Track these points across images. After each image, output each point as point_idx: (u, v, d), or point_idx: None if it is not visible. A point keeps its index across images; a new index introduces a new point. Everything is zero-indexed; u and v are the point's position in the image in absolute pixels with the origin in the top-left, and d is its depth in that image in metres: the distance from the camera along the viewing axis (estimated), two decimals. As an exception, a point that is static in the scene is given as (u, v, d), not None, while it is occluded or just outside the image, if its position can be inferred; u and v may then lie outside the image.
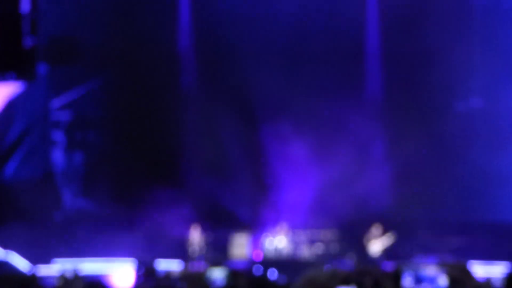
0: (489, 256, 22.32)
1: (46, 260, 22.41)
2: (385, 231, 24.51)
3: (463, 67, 27.12)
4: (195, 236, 24.21)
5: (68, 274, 14.16)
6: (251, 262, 23.51)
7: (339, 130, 25.91)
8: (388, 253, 24.30)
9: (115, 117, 27.13)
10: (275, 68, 26.39)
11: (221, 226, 25.53)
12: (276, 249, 24.48)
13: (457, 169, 26.45)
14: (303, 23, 26.66)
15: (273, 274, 19.39)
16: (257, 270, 19.80)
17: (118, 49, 26.83)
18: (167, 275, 16.72)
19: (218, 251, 24.38)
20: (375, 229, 24.58)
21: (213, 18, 26.69)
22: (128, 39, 26.86)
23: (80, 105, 27.05)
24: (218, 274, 8.84)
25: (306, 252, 25.02)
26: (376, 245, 24.47)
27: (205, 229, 24.53)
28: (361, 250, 24.55)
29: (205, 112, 27.15)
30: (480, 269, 18.32)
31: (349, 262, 23.21)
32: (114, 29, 26.94)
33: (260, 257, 24.19)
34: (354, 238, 25.28)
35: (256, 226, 25.54)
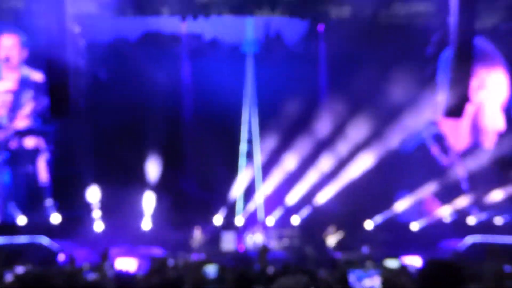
0: (407, 248, 26.06)
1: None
2: (337, 229, 28.31)
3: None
4: (197, 235, 27.56)
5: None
6: (237, 254, 26.84)
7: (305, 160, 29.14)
8: (338, 245, 27.82)
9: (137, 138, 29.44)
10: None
11: (214, 227, 29.03)
12: (254, 244, 28.06)
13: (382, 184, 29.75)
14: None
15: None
16: (242, 262, 21.94)
17: (140, 96, 29.76)
18: (176, 265, 16.10)
19: (213, 245, 27.68)
20: (331, 228, 28.29)
21: (204, 77, 29.84)
22: (147, 87, 29.64)
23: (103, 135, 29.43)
24: (211, 269, 9.11)
25: (276, 245, 28.06)
26: (331, 240, 28.06)
27: (203, 229, 28.02)
28: (319, 243, 27.72)
29: (198, 137, 30.00)
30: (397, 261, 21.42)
31: (306, 255, 25.60)
32: (137, 80, 29.82)
33: (243, 250, 27.76)
34: (312, 235, 28.61)
35: (240, 227, 29.40)
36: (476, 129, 31.47)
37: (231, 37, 31.23)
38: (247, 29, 31.03)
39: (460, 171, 30.83)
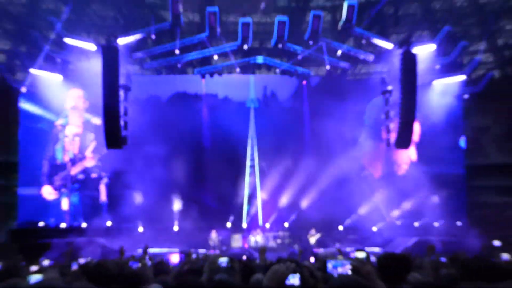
0: (369, 244, 26.30)
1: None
2: (316, 231, 28.43)
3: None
4: (213, 236, 27.60)
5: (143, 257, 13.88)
6: (242, 249, 26.46)
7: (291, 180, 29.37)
8: (318, 243, 28.01)
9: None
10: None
11: (226, 230, 29.23)
12: (255, 242, 28.01)
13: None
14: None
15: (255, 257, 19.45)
16: (246, 255, 21.42)
17: (173, 134, 29.86)
18: (197, 257, 16.47)
19: (225, 244, 27.73)
20: (312, 230, 28.33)
21: (218, 123, 30.40)
22: (178, 128, 30.00)
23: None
24: (223, 260, 7.95)
25: (272, 243, 28.11)
26: (312, 239, 28.14)
27: (218, 232, 28.19)
28: (304, 242, 27.90)
29: (215, 164, 30.19)
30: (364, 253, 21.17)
31: (295, 250, 24.68)
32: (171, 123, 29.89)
33: (247, 247, 27.48)
34: (298, 235, 28.47)
35: (245, 230, 29.39)
36: (390, 161, 32.15)
37: (239, 95, 31.65)
38: (250, 89, 31.54)
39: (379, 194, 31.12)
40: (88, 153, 30.82)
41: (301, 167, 30.10)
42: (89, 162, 30.84)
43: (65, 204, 30.27)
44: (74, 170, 30.67)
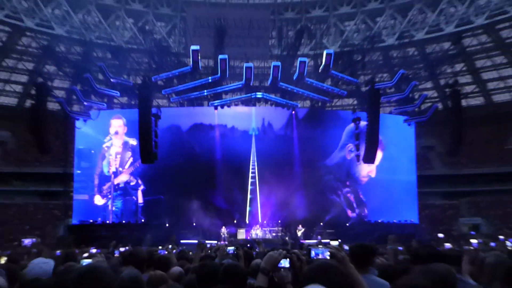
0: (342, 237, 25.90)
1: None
2: (302, 226, 27.91)
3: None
4: (223, 230, 27.03)
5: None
6: (246, 240, 25.96)
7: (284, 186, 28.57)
8: (304, 236, 27.37)
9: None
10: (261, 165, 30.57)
11: (233, 225, 28.81)
12: (256, 235, 27.36)
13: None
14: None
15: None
16: (248, 245, 21.09)
17: (192, 154, 30.32)
18: (211, 247, 13.94)
19: (232, 236, 27.23)
20: (300, 226, 27.83)
21: (227, 146, 30.45)
22: (196, 150, 30.56)
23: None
24: (231, 248, 7.94)
25: (268, 236, 27.39)
26: (300, 232, 27.61)
27: (227, 227, 27.75)
28: (295, 235, 27.28)
29: (224, 176, 29.96)
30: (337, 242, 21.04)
31: (286, 241, 25.21)
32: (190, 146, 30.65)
33: (249, 238, 26.70)
34: (289, 230, 27.89)
35: (247, 225, 28.99)
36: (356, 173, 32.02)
37: (243, 125, 31.44)
38: (252, 120, 31.44)
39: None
40: (127, 167, 30.85)
41: (291, 177, 29.99)
42: (127, 175, 30.90)
43: (110, 207, 30.34)
44: (117, 181, 30.70)
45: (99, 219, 30.13)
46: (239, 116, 31.24)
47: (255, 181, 30.50)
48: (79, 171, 31.14)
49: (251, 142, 31.03)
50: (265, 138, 31.41)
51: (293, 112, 31.17)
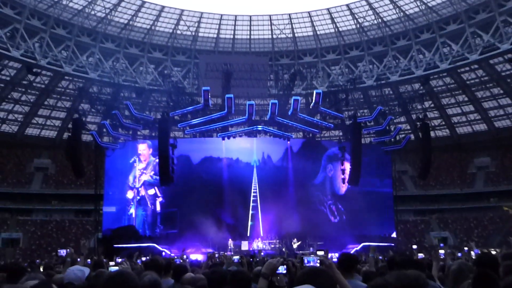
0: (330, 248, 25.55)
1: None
2: (298, 239, 27.41)
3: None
4: (230, 242, 26.49)
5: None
6: (248, 251, 25.24)
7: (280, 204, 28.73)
8: (299, 248, 26.73)
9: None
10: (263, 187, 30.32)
11: (239, 238, 28.16)
12: (257, 246, 26.84)
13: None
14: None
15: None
16: (251, 253, 21.03)
17: (203, 180, 30.21)
18: (219, 256, 14.88)
19: (237, 247, 26.56)
20: (295, 239, 27.41)
21: (233, 176, 30.36)
22: (207, 177, 30.27)
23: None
24: (236, 257, 8.79)
25: (267, 247, 26.95)
26: (296, 245, 27.01)
27: (233, 239, 27.21)
28: (290, 246, 26.71)
29: (230, 196, 29.61)
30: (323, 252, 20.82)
31: (283, 251, 24.53)
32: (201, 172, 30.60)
33: (251, 249, 26.33)
34: (286, 242, 27.36)
35: (250, 238, 28.37)
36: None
37: (246, 158, 31.22)
38: (253, 154, 31.30)
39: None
40: (146, 179, 30.78)
41: (286, 197, 29.82)
42: (148, 187, 30.75)
43: (133, 216, 30.21)
44: (141, 193, 30.58)
45: (125, 227, 29.92)
46: (242, 150, 31.09)
47: (257, 201, 30.13)
48: (109, 187, 30.98)
49: (253, 171, 30.83)
50: (265, 167, 31.28)
51: (288, 142, 30.88)
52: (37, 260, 19.53)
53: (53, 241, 35.71)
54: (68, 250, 7.35)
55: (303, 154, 31.77)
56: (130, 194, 30.48)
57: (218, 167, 30.58)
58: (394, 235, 31.74)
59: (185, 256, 16.88)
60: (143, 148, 30.91)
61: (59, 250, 16.26)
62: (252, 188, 30.45)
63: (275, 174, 31.05)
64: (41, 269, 7.46)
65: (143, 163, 30.83)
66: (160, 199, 30.53)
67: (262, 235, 28.83)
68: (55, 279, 4.25)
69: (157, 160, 28.65)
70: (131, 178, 30.62)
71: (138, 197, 30.43)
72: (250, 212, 30.00)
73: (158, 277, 3.41)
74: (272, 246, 27.45)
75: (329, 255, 17.65)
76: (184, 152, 30.03)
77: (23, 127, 43.34)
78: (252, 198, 30.27)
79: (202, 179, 30.13)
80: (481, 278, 3.14)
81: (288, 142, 30.85)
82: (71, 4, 35.98)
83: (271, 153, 31.92)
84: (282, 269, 3.50)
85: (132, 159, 30.75)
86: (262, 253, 21.01)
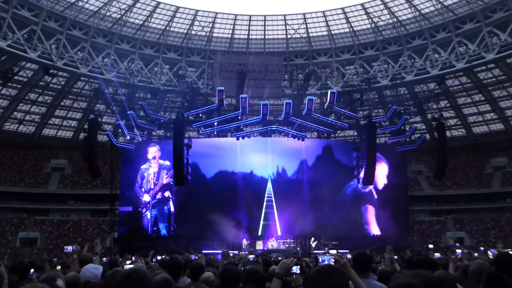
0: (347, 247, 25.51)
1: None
2: (315, 239, 27.41)
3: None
4: (244, 242, 26.70)
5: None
6: (263, 251, 25.72)
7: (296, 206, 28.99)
8: (316, 247, 26.85)
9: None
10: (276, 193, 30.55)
11: (253, 238, 28.46)
12: (271, 245, 27.25)
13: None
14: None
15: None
16: (265, 254, 20.21)
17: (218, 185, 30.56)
18: (234, 255, 16.38)
19: (252, 247, 26.66)
20: (313, 238, 27.46)
21: (248, 189, 30.58)
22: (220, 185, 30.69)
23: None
24: (251, 256, 8.68)
25: (282, 246, 27.27)
26: (313, 244, 27.14)
27: (247, 240, 27.41)
28: (305, 246, 27.18)
29: (243, 198, 30.07)
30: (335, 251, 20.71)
31: (298, 251, 25.00)
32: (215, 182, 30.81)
33: (266, 249, 26.74)
34: (301, 242, 27.76)
35: (264, 238, 28.76)
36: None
37: (261, 173, 31.50)
38: (268, 167, 31.65)
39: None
40: (165, 182, 30.80)
41: (301, 201, 29.85)
42: (163, 189, 30.83)
43: (148, 215, 30.33)
44: (157, 196, 30.72)
45: (139, 227, 30.35)
46: (256, 165, 31.50)
47: (271, 200, 30.32)
48: (124, 188, 31.20)
49: (266, 184, 31.12)
50: (280, 182, 31.43)
51: (303, 142, 30.69)
52: (54, 259, 19.69)
53: (69, 241, 35.70)
54: (74, 246, 7.34)
55: (318, 167, 31.75)
56: (146, 197, 30.69)
57: (232, 180, 30.82)
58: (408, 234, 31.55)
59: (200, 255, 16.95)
60: (154, 151, 31.17)
61: (65, 247, 16.32)
62: (267, 191, 30.74)
63: (291, 184, 31.43)
64: (58, 268, 7.49)
65: (153, 167, 31.14)
66: (173, 199, 30.74)
67: (279, 234, 29.08)
68: (68, 276, 4.28)
69: (168, 163, 29.41)
70: (144, 182, 30.90)
71: (153, 200, 30.60)
72: (263, 211, 30.15)
73: (170, 276, 3.43)
74: (287, 245, 27.53)
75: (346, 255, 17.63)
76: (196, 166, 30.27)
77: (40, 128, 43.68)
78: (266, 198, 30.42)
79: (216, 192, 30.28)
80: (492, 278, 3.08)
81: (303, 142, 30.73)
82: (87, 6, 36.20)
83: (286, 168, 32.05)
84: (296, 269, 3.49)
85: (144, 166, 31.13)
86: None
